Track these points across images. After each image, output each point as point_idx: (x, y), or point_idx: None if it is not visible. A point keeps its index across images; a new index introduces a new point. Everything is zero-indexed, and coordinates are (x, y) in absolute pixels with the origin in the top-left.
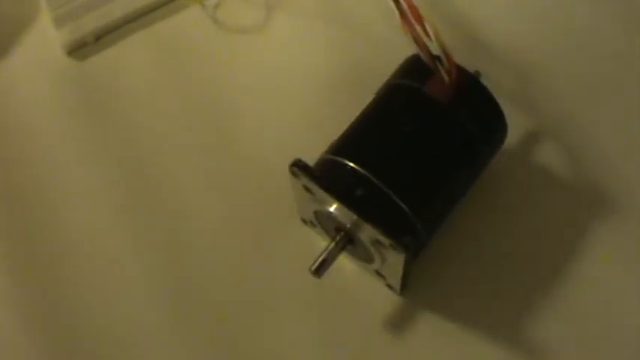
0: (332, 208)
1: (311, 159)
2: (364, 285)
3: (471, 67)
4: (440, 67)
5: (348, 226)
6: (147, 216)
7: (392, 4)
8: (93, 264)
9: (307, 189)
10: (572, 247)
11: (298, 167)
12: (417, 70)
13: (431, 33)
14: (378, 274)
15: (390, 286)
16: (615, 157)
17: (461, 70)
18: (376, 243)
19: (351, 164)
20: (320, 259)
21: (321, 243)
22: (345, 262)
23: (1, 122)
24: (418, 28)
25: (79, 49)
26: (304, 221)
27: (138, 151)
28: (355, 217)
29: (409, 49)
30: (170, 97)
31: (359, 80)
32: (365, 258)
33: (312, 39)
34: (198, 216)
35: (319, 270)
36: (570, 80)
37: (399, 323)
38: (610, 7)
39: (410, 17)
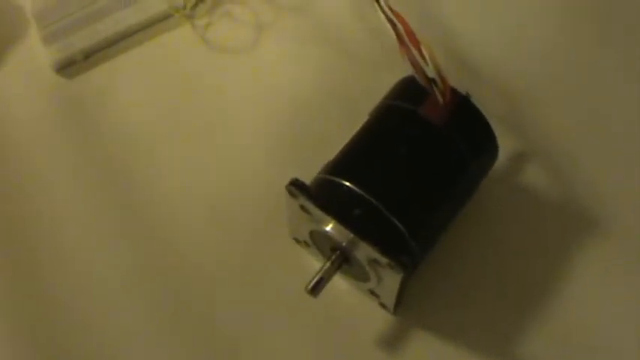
0: (328, 228)
1: (302, 179)
2: (357, 304)
3: (461, 90)
4: (435, 89)
5: (344, 245)
6: (137, 235)
7: (389, 28)
8: (84, 283)
9: (304, 209)
10: (559, 265)
11: (296, 187)
12: (411, 92)
13: (427, 56)
14: (372, 293)
15: (383, 305)
16: (601, 177)
17: (455, 92)
18: (373, 262)
19: (348, 184)
20: (316, 279)
21: (313, 262)
22: (338, 281)
23: None
24: (415, 51)
25: (67, 67)
26: (297, 241)
27: (125, 168)
28: (352, 236)
29: (398, 72)
30: (158, 116)
31: (348, 101)
32: (360, 277)
33: (302, 60)
34: (190, 236)
35: (315, 289)
36: (557, 103)
37: (391, 341)
38: (595, 34)
39: (407, 41)
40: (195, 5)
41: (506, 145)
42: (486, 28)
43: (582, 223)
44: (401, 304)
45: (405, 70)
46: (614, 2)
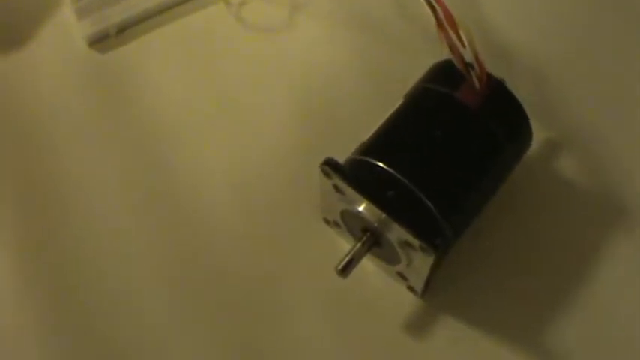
0: (361, 208)
1: (335, 159)
2: (385, 286)
3: (496, 75)
4: (472, 73)
5: (376, 226)
6: (166, 214)
7: (429, 11)
8: (109, 261)
9: (337, 188)
10: (591, 254)
11: (330, 166)
12: (447, 76)
13: (465, 40)
14: (401, 275)
15: (411, 288)
16: (636, 167)
17: (491, 77)
18: (404, 244)
19: (383, 165)
20: (347, 259)
21: (342, 244)
22: (367, 263)
23: (22, 112)
24: (453, 35)
25: (100, 42)
26: (327, 222)
27: (156, 144)
28: (384, 217)
29: (433, 55)
30: (191, 93)
31: (382, 83)
32: (389, 259)
33: (336, 41)
34: (220, 214)
35: (345, 270)
36: (592, 92)
37: (418, 325)
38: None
39: (445, 24)
40: None
41: (540, 132)
42: (522, 14)
43: (615, 213)
44: (429, 288)
45: (439, 54)
46: None
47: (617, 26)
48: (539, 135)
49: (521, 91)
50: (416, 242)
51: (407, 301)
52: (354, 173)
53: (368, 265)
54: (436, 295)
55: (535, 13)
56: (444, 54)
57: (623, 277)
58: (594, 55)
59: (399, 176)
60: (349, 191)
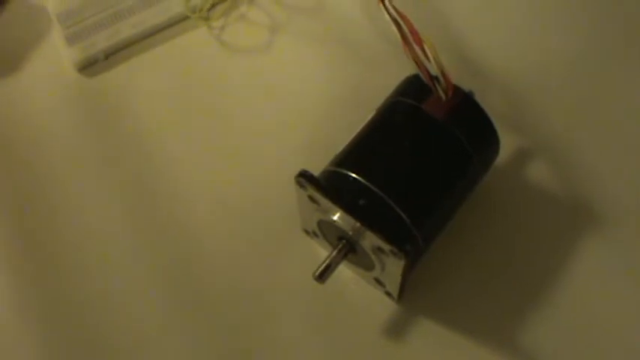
0: (335, 217)
1: (313, 172)
2: (363, 292)
3: (464, 87)
4: (438, 86)
5: (350, 234)
6: (153, 229)
7: (394, 29)
8: (103, 279)
9: (312, 199)
10: (562, 258)
11: (305, 178)
12: (415, 89)
13: (430, 55)
14: (377, 281)
15: (388, 294)
16: (602, 172)
17: (457, 90)
18: (377, 250)
19: (354, 175)
20: (323, 265)
21: (322, 253)
22: (345, 270)
23: (12, 134)
24: (418, 50)
25: (89, 66)
26: (307, 232)
27: (144, 165)
28: (358, 225)
29: (406, 70)
30: (175, 113)
31: (358, 99)
32: (365, 266)
33: (314, 59)
34: (205, 228)
35: (322, 275)
36: (559, 100)
37: (396, 329)
38: (601, 31)
39: (411, 40)
40: (212, 8)
41: (507, 141)
42: (489, 27)
43: (585, 218)
44: (405, 292)
45: (411, 69)
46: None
47: (588, 36)
48: (510, 143)
49: (491, 102)
50: (387, 247)
51: (385, 307)
52: (327, 184)
53: (347, 273)
54: (412, 300)
55: (505, 27)
56: (415, 68)
57: (593, 277)
58: (563, 66)
59: (369, 185)
60: (323, 201)
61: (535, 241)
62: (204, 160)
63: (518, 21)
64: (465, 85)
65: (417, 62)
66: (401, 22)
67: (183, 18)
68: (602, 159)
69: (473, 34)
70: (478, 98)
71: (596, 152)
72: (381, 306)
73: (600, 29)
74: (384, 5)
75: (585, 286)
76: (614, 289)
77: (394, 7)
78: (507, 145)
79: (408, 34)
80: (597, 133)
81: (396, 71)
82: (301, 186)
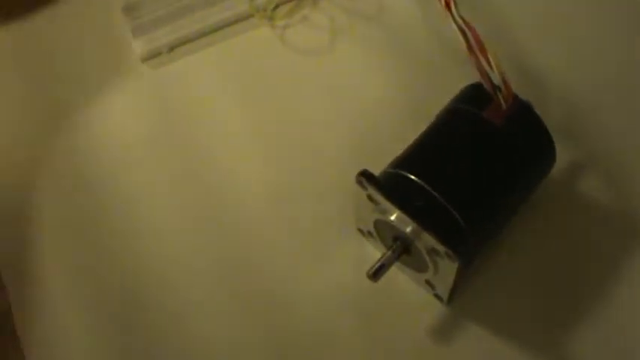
0: (393, 217)
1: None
2: (412, 293)
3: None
4: (499, 94)
5: (406, 235)
6: (210, 222)
7: (461, 38)
8: (162, 273)
9: (371, 199)
10: (610, 272)
11: (365, 177)
12: (476, 97)
13: (493, 64)
14: (428, 283)
15: (437, 296)
16: None
17: (516, 99)
18: (431, 251)
19: (414, 177)
20: (378, 265)
21: (374, 253)
22: (396, 272)
23: (73, 120)
24: (482, 58)
25: (153, 58)
26: (361, 231)
27: (202, 157)
28: (414, 225)
29: (462, 79)
30: (236, 109)
31: (416, 105)
32: (417, 267)
33: (374, 65)
34: (260, 224)
35: (376, 274)
36: (616, 115)
37: (442, 332)
38: None
39: (475, 49)
40: (275, 7)
41: (562, 154)
42: (550, 38)
43: (635, 234)
44: (455, 296)
45: (471, 77)
46: None
47: None
48: (564, 156)
49: (548, 113)
50: (442, 249)
51: (433, 309)
52: (386, 184)
53: (398, 274)
54: (461, 304)
55: (566, 39)
56: (477, 77)
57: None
58: (623, 80)
59: (428, 187)
60: (382, 201)
61: (588, 256)
62: (262, 154)
63: (580, 34)
64: (523, 95)
65: (481, 71)
66: (467, 31)
67: (247, 16)
68: None
69: (533, 44)
70: (535, 108)
71: None
72: (429, 308)
73: None
74: (451, 14)
75: (633, 305)
76: None
77: (461, 16)
78: (561, 158)
79: (473, 43)
80: None
81: (456, 78)
82: (361, 185)
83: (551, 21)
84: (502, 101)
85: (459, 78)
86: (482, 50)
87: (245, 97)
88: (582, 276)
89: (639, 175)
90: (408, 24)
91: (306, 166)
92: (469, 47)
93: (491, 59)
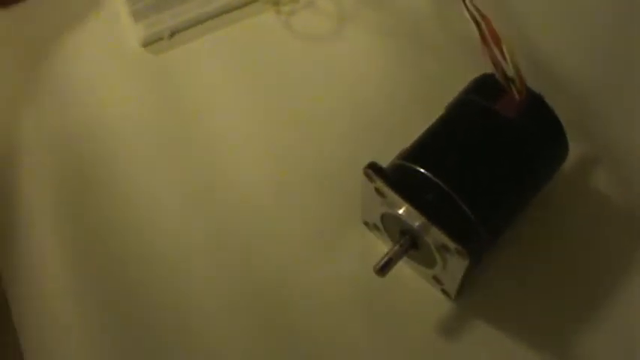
0: (401, 211)
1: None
2: (420, 289)
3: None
4: (512, 86)
5: (415, 228)
6: (215, 214)
7: (474, 28)
8: (166, 270)
9: (378, 191)
10: (622, 267)
11: (373, 169)
12: (488, 88)
13: (507, 56)
14: (436, 279)
15: (445, 292)
16: None
17: (529, 91)
18: (441, 247)
19: (423, 170)
20: (385, 259)
21: (380, 247)
22: (404, 267)
23: (73, 105)
24: (496, 50)
25: (154, 43)
26: (367, 224)
27: (204, 145)
28: (422, 220)
29: (474, 68)
30: (239, 96)
31: (425, 94)
32: (425, 262)
33: (381, 52)
34: (264, 215)
35: (383, 269)
36: (630, 111)
37: (449, 327)
38: None
39: (490, 40)
40: None
41: (577, 147)
42: (565, 32)
43: None
44: (462, 292)
45: (482, 67)
46: None
47: None
48: (576, 149)
49: (560, 106)
50: (452, 245)
51: (440, 304)
52: (395, 177)
53: (405, 269)
54: (468, 300)
55: (580, 34)
56: (487, 67)
57: None
58: (636, 77)
59: (438, 181)
60: (390, 194)
61: (597, 252)
62: (267, 143)
63: (594, 30)
64: (535, 87)
65: (494, 62)
66: (481, 22)
67: (252, 1)
68: None
69: (547, 38)
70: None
71: None
72: (435, 303)
73: None
74: (465, 3)
75: None
76: None
77: (474, 6)
78: (573, 152)
79: (487, 34)
80: None
81: (467, 68)
82: (369, 178)
83: (565, 13)
84: (516, 93)
85: (470, 66)
86: (497, 42)
87: (248, 84)
88: (593, 273)
89: None
90: (417, 10)
91: (314, 157)
92: (483, 38)
93: (505, 51)
